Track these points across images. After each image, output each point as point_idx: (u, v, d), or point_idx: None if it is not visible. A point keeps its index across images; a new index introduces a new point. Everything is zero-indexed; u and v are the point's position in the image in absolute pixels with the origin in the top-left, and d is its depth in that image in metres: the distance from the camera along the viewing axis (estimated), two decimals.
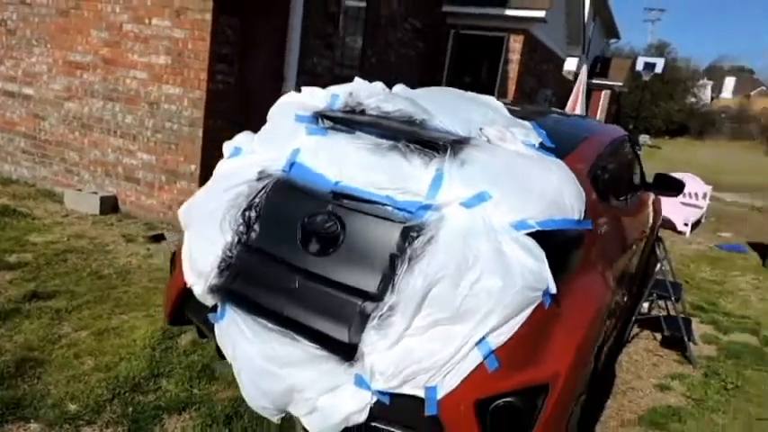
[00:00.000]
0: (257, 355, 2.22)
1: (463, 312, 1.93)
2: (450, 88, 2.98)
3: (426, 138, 2.29)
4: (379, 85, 2.98)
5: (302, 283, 2.19)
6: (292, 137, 2.52)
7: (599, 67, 23.77)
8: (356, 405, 2.04)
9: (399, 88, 2.99)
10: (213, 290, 2.34)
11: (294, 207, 2.33)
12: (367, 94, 2.76)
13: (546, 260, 2.01)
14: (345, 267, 2.16)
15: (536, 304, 1.99)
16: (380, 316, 2.00)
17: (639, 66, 20.83)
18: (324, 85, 7.11)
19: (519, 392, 1.97)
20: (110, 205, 5.65)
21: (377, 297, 2.04)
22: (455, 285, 1.93)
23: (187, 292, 2.54)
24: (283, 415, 2.31)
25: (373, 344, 1.98)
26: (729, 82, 52.07)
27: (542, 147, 2.45)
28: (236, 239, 2.36)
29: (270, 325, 2.21)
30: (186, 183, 5.30)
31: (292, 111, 2.67)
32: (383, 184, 2.21)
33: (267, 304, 2.22)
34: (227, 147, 2.74)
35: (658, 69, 20.63)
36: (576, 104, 9.13)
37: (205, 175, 5.20)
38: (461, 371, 1.92)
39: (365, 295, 2.08)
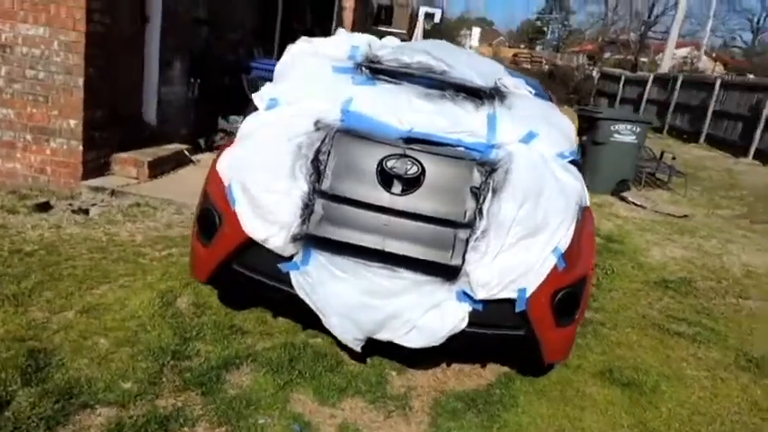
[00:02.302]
0: (352, 292, 2.41)
1: (542, 226, 2.42)
2: (440, 41, 3.30)
3: (471, 87, 2.65)
4: (368, 36, 3.14)
5: (393, 221, 2.42)
6: (336, 87, 2.62)
7: (383, 14, 25.10)
8: (459, 316, 2.41)
9: (393, 41, 3.19)
10: (297, 238, 2.41)
11: (366, 153, 2.48)
12: (378, 45, 2.94)
13: (583, 181, 2.62)
14: (429, 202, 2.44)
15: (577, 217, 2.59)
16: (476, 239, 2.38)
17: (421, 16, 22.66)
18: (184, 27, 6.65)
19: (576, 283, 2.57)
20: None
21: (468, 224, 2.40)
22: (536, 206, 2.40)
23: (243, 247, 2.54)
24: (364, 343, 2.56)
25: (476, 262, 2.36)
26: (476, 32, 59.22)
27: (536, 95, 2.99)
28: (310, 188, 2.44)
29: (365, 262, 2.40)
30: (64, 141, 4.61)
31: (321, 61, 2.74)
32: (448, 129, 2.52)
33: (361, 243, 2.40)
34: (261, 98, 2.69)
35: (437, 19, 22.76)
36: None
37: (89, 130, 4.62)
38: (543, 272, 2.43)
39: (455, 224, 2.41)
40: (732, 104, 14.38)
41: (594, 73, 27.54)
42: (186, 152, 5.82)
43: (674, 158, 8.95)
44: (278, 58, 9.60)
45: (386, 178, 2.46)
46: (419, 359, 2.90)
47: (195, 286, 3.26)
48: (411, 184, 2.45)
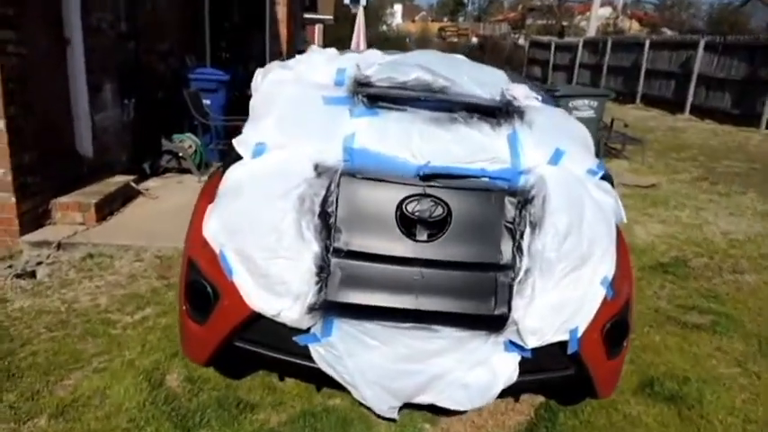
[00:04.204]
0: (387, 360, 2.10)
1: (587, 257, 2.16)
2: (428, 51, 2.95)
3: (483, 105, 2.34)
4: (353, 55, 2.76)
5: (423, 273, 2.10)
6: (331, 121, 2.24)
7: (308, 2, 24.36)
8: (510, 368, 2.15)
9: (377, 54, 2.81)
10: (314, 308, 2.05)
11: (381, 197, 2.14)
12: (364, 64, 2.56)
13: (617, 197, 2.38)
14: (461, 246, 2.14)
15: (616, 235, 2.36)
16: (520, 281, 2.10)
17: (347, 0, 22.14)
18: (109, 44, 6.01)
19: (623, 309, 2.35)
20: None
21: (507, 265, 2.12)
22: (579, 236, 2.14)
23: (249, 322, 2.17)
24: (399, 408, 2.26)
25: (524, 308, 2.08)
26: (398, 9, 59.03)
27: (543, 101, 2.72)
28: (323, 247, 2.08)
29: (399, 325, 2.09)
30: None
31: (308, 92, 2.35)
32: (468, 158, 2.20)
33: (390, 304, 2.07)
34: (244, 144, 2.27)
35: (363, 2, 22.25)
36: (359, 42, 9.45)
37: (20, 178, 4.03)
38: (594, 307, 2.19)
39: (493, 267, 2.13)
40: (663, 63, 14.82)
41: (522, 41, 27.89)
42: (133, 183, 5.24)
43: (626, 126, 9.03)
44: (211, 65, 8.92)
45: (407, 224, 2.14)
46: None
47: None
48: (437, 227, 2.14)
